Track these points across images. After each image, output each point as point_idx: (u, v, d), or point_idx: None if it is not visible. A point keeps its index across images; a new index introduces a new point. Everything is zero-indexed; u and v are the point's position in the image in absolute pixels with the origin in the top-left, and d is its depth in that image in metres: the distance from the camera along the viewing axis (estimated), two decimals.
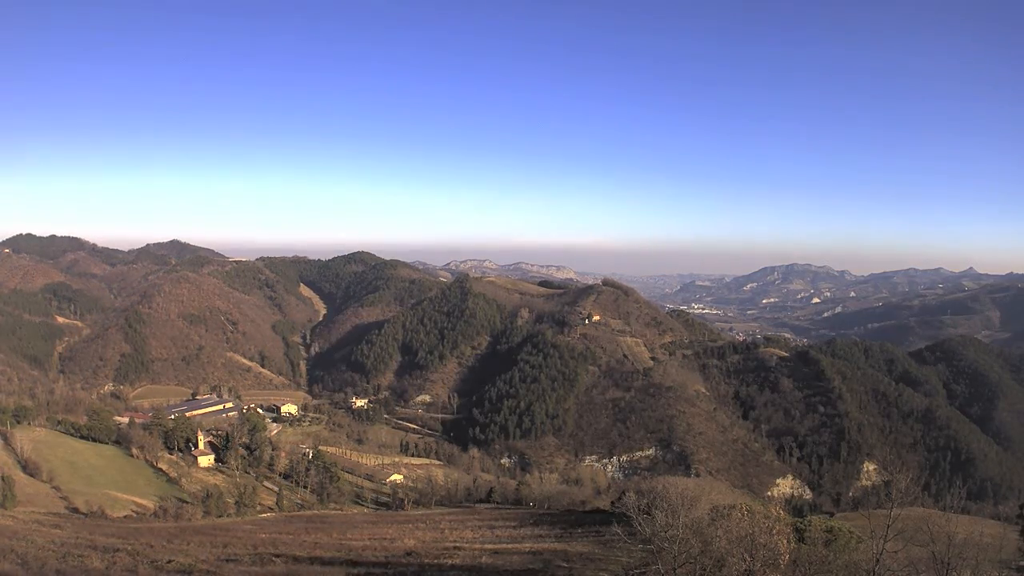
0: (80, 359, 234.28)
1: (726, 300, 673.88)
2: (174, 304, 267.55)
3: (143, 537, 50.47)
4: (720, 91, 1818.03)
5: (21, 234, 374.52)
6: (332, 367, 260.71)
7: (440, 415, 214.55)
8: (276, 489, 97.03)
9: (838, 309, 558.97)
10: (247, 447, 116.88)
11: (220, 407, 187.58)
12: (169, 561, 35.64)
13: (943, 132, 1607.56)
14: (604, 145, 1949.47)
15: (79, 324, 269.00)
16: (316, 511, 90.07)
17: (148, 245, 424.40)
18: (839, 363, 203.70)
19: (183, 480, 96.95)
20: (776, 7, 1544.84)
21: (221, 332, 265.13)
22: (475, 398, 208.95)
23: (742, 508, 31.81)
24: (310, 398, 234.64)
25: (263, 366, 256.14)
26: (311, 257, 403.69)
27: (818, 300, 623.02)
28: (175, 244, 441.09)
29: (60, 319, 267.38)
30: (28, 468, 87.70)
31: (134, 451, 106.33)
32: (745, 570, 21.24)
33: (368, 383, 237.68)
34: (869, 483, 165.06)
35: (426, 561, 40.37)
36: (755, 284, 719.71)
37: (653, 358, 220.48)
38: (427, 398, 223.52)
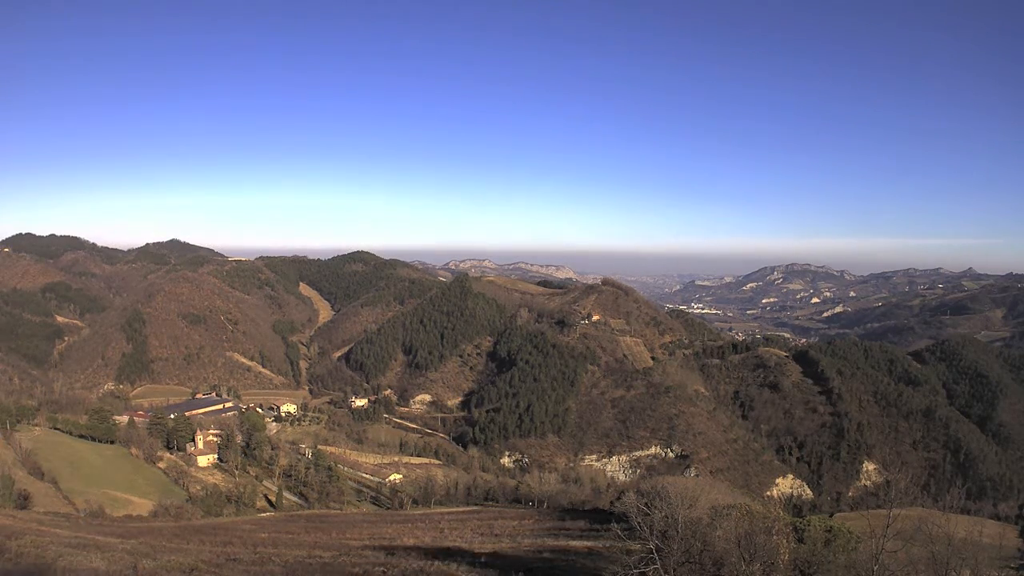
0: (80, 358, 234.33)
1: (726, 300, 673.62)
2: (174, 303, 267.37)
3: (143, 536, 50.47)
4: (718, 94, 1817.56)
5: (21, 233, 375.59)
6: (332, 366, 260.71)
7: (440, 415, 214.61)
8: (275, 489, 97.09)
9: (838, 309, 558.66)
10: (247, 447, 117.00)
11: (220, 407, 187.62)
12: (170, 560, 35.64)
13: (943, 132, 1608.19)
14: (604, 148, 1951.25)
15: (79, 324, 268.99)
16: (315, 511, 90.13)
17: (148, 244, 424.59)
18: (839, 363, 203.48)
19: (183, 480, 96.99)
20: (778, 6, 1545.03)
21: (221, 332, 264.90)
22: (475, 397, 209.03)
23: (742, 508, 31.83)
24: (310, 397, 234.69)
25: (263, 366, 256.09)
26: (311, 257, 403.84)
27: (818, 300, 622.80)
28: (175, 243, 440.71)
29: (60, 318, 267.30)
30: (28, 467, 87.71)
31: (134, 451, 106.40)
32: (744, 570, 21.24)
33: (368, 383, 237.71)
34: (869, 483, 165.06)
35: (426, 560, 40.37)
36: (755, 284, 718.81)
37: (653, 358, 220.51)
38: (427, 397, 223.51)
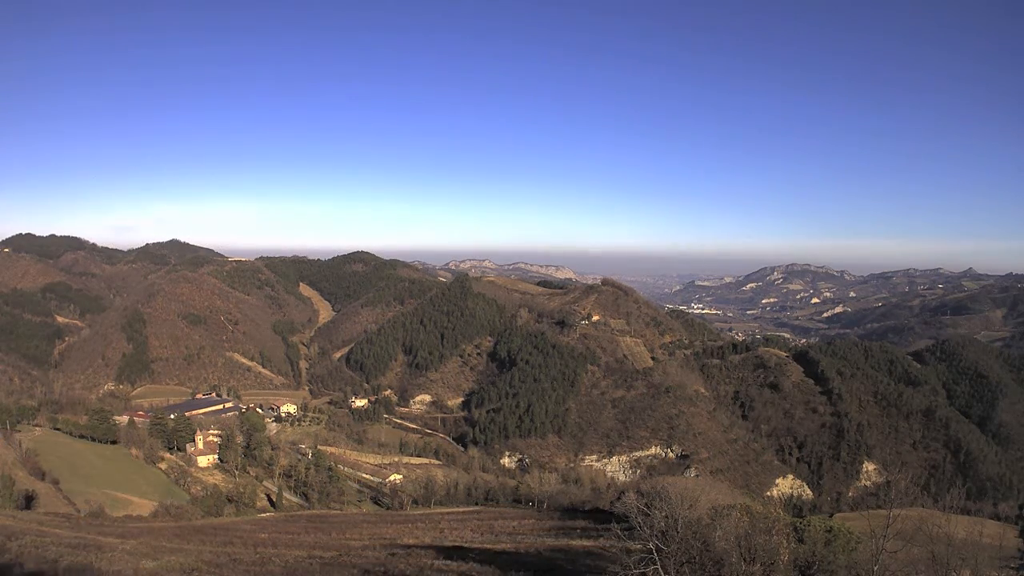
0: (80, 359, 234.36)
1: (726, 300, 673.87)
2: (174, 304, 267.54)
3: (144, 536, 50.47)
4: (718, 96, 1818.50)
5: (21, 234, 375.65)
6: (332, 367, 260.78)
7: (440, 415, 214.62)
8: (275, 489, 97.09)
9: (838, 309, 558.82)
10: (247, 447, 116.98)
11: (220, 407, 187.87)
12: (170, 561, 35.69)
13: (943, 133, 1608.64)
14: (605, 149, 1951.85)
15: (79, 324, 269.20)
16: (315, 511, 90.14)
17: (148, 245, 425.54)
18: (839, 363, 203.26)
19: (183, 480, 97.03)
20: (777, 8, 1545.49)
21: (221, 332, 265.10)
22: (475, 398, 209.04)
23: (742, 508, 31.84)
24: (310, 398, 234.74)
25: (263, 366, 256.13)
26: (311, 257, 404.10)
27: (818, 300, 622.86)
28: (175, 244, 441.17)
29: (60, 319, 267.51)
30: (29, 468, 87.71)
31: (134, 451, 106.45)
32: (745, 570, 21.26)
33: (368, 383, 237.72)
34: (869, 483, 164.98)
35: (427, 560, 40.42)
36: (755, 284, 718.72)
37: (653, 358, 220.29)
38: (427, 398, 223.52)
